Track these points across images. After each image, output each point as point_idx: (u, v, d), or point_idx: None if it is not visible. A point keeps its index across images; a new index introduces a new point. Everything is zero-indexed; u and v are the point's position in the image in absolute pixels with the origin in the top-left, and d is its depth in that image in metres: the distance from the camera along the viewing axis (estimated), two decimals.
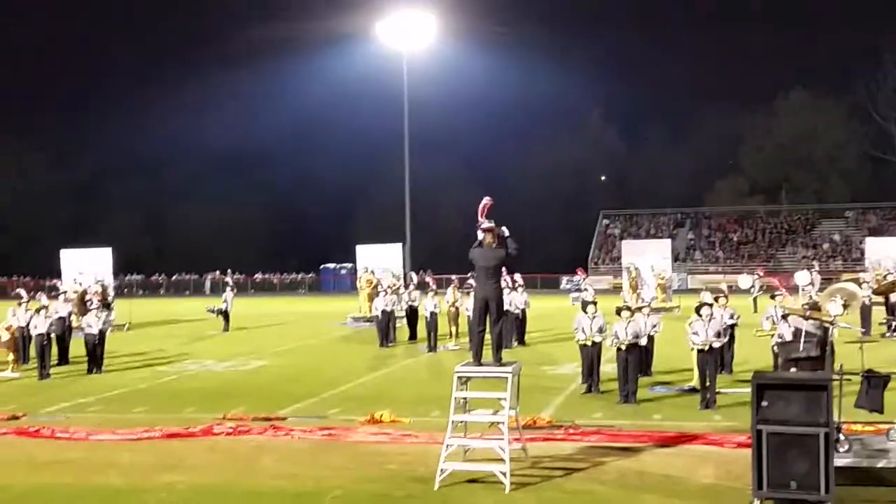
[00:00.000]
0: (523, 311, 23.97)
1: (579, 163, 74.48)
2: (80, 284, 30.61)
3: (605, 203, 70.36)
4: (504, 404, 9.98)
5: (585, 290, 25.46)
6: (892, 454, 9.37)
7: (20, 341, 20.77)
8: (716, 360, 14.55)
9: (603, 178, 78.76)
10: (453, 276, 27.44)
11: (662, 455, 11.02)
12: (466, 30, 61.31)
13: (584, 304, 16.14)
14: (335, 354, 23.58)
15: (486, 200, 10.81)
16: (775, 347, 14.24)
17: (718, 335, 14.33)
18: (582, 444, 11.59)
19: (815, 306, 11.78)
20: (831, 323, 10.90)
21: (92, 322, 20.09)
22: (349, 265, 54.12)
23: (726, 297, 17.58)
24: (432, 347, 22.98)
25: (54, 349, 20.83)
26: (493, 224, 10.60)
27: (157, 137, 73.14)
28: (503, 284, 13.71)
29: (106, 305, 23.33)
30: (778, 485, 8.41)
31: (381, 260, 34.59)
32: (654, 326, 16.56)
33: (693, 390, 14.94)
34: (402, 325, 26.11)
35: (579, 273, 37.82)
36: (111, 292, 32.82)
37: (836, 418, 8.92)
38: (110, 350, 21.55)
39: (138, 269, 67.72)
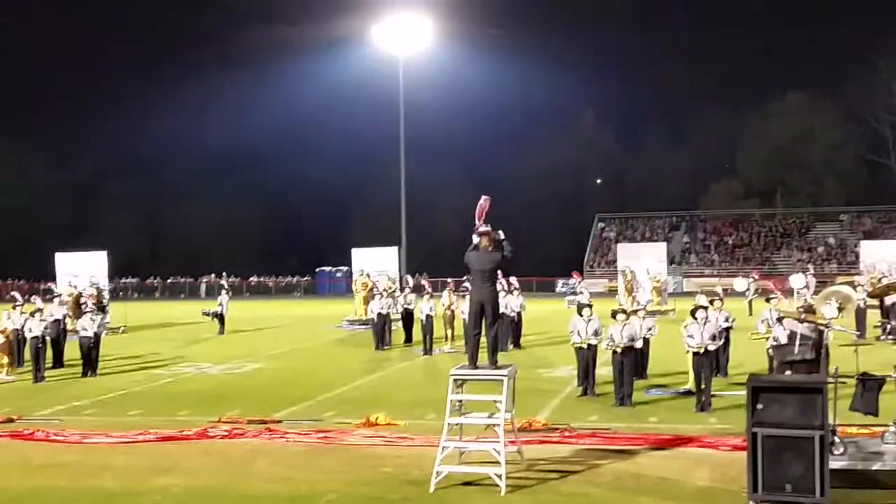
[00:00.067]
0: (519, 314, 23.97)
1: (575, 164, 74.53)
2: (75, 287, 30.58)
3: (602, 204, 70.45)
4: (500, 407, 9.97)
5: (581, 293, 25.46)
6: (887, 457, 9.39)
7: (15, 344, 20.73)
8: (711, 362, 14.56)
9: (599, 181, 78.82)
10: (449, 280, 27.50)
11: (658, 458, 11.02)
12: (462, 33, 61.37)
13: (580, 307, 16.16)
14: (331, 357, 23.56)
15: (483, 201, 10.80)
16: (770, 350, 14.20)
17: (714, 338, 14.34)
18: (577, 446, 11.59)
19: (809, 309, 11.79)
20: (826, 326, 10.93)
21: (87, 325, 20.06)
22: (345, 268, 54.09)
23: (721, 300, 17.58)
24: (428, 350, 22.98)
25: (49, 352, 20.80)
26: (489, 228, 10.60)
27: (156, 137, 73.09)
28: (499, 287, 13.73)
29: (101, 308, 23.35)
30: (773, 487, 8.43)
31: (377, 263, 34.55)
32: (650, 329, 16.58)
33: (688, 393, 14.96)
34: (397, 328, 26.12)
35: (575, 276, 37.83)
36: (106, 295, 32.81)
37: (831, 421, 8.93)
38: (105, 353, 21.53)
39: (133, 272, 67.64)
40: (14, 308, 21.36)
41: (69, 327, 23.64)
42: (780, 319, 13.20)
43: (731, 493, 9.34)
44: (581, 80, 68.02)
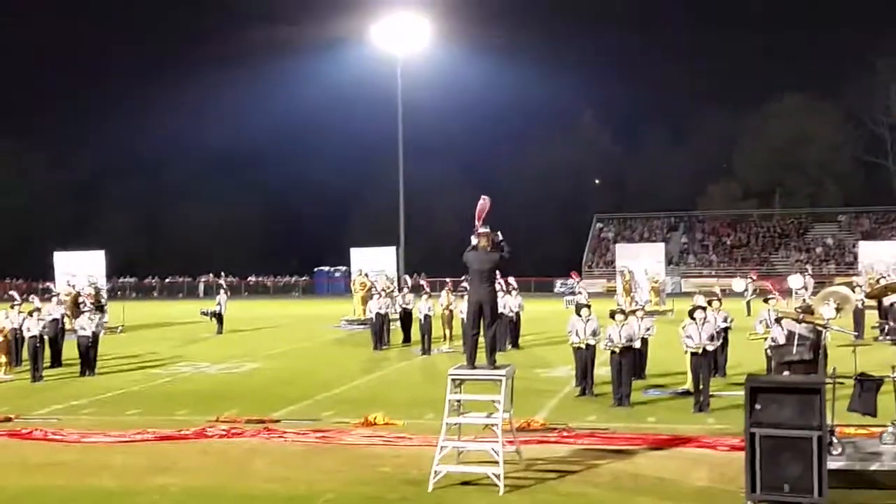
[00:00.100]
0: (517, 314, 23.98)
1: (574, 165, 74.55)
2: (74, 287, 30.56)
3: (601, 204, 70.44)
4: (498, 407, 9.98)
5: (579, 293, 25.46)
6: (885, 457, 9.39)
7: (13, 343, 20.73)
8: (709, 363, 14.57)
9: (598, 181, 78.81)
10: (447, 279, 27.48)
11: (656, 458, 11.02)
12: (461, 33, 61.37)
13: (578, 308, 16.17)
14: (329, 357, 23.56)
15: (483, 202, 10.80)
16: (768, 351, 14.21)
17: (712, 338, 14.34)
18: (576, 446, 11.59)
19: (808, 310, 11.78)
20: (824, 326, 10.92)
21: (85, 324, 20.06)
22: (343, 268, 54.07)
23: (720, 300, 17.63)
24: (426, 350, 22.98)
25: (47, 351, 20.79)
26: (488, 229, 10.60)
27: (156, 137, 73.09)
28: (497, 287, 13.73)
29: (99, 308, 23.32)
30: (771, 488, 8.43)
31: (375, 263, 34.57)
32: (648, 330, 16.57)
33: (686, 393, 14.96)
34: (396, 327, 26.11)
35: (573, 276, 37.83)
36: (104, 295, 32.79)
37: (829, 421, 8.93)
38: (103, 352, 21.50)
39: (132, 271, 67.58)
40: (12, 307, 21.35)
41: (67, 327, 23.62)
42: (778, 320, 13.19)
43: (730, 493, 9.34)
44: (581, 81, 68.14)
